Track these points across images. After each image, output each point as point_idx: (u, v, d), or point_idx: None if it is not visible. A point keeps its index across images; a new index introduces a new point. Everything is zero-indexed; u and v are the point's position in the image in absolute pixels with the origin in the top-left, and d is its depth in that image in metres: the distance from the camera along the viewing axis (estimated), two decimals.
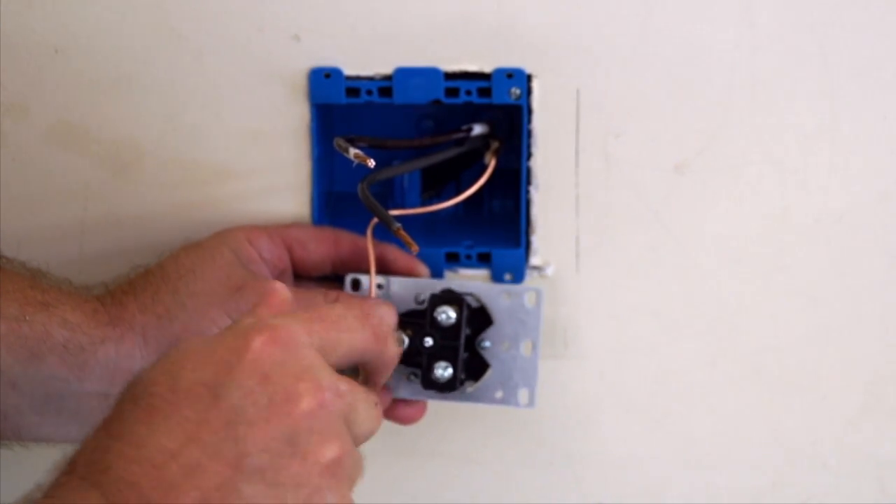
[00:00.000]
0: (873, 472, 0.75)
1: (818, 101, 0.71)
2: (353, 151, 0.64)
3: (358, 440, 0.52)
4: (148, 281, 0.69)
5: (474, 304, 0.69)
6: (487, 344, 0.69)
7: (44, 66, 0.71)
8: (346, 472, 0.50)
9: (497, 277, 0.75)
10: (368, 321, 0.55)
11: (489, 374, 0.69)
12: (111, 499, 0.45)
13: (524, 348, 0.69)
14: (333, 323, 0.53)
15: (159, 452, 0.46)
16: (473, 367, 0.69)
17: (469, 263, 0.75)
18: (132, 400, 0.48)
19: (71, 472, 0.47)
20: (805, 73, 0.71)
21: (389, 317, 0.62)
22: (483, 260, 0.75)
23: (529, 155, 0.74)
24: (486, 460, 0.76)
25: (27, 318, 0.64)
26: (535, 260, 0.75)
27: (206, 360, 0.49)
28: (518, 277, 0.75)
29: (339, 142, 0.66)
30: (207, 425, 0.47)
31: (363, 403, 0.52)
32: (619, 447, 0.76)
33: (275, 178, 0.74)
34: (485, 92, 0.72)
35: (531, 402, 0.69)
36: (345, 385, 0.51)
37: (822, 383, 0.74)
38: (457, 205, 0.73)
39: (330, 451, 0.49)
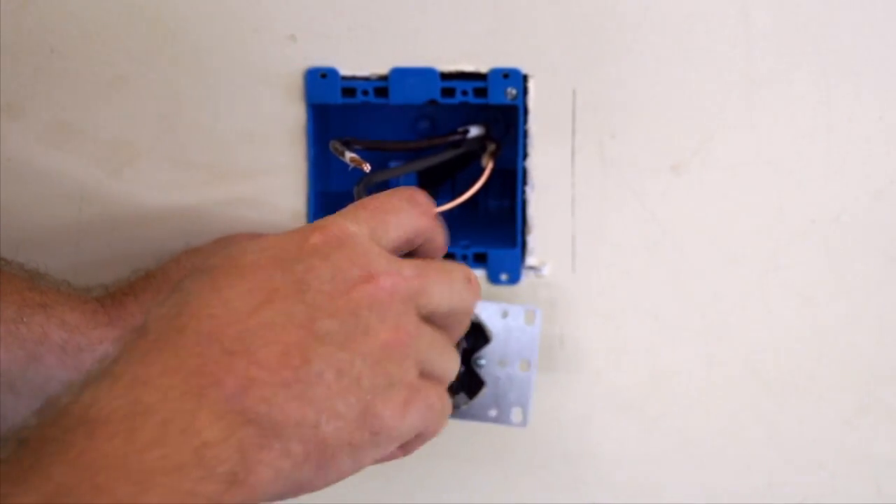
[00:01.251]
0: (870, 473, 0.74)
1: (814, 100, 0.71)
2: (348, 155, 0.63)
3: (446, 317, 0.52)
4: (149, 283, 0.68)
5: (473, 318, 0.68)
6: (483, 361, 0.69)
7: (40, 67, 0.71)
8: (410, 351, 0.50)
9: (493, 277, 0.75)
10: (414, 200, 0.54)
11: (484, 391, 0.69)
12: (190, 350, 0.44)
13: (520, 367, 0.69)
14: (378, 208, 0.53)
15: (234, 312, 0.46)
16: (469, 384, 0.69)
17: (465, 263, 0.74)
18: (192, 277, 0.48)
19: (143, 335, 0.46)
20: (801, 73, 0.71)
21: (431, 200, 0.58)
22: (479, 260, 0.75)
23: (525, 155, 0.73)
24: (483, 460, 0.76)
25: (25, 319, 0.63)
26: (531, 260, 0.75)
27: (268, 246, 0.49)
28: (514, 277, 0.75)
29: (334, 145, 0.65)
30: (277, 292, 0.47)
31: (438, 284, 0.52)
32: (615, 447, 0.75)
33: (271, 178, 0.74)
34: (481, 92, 0.72)
35: (524, 422, 0.68)
36: (410, 269, 0.51)
37: (819, 383, 0.74)
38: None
39: (387, 333, 0.49)
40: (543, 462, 0.75)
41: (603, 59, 0.71)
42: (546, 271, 0.75)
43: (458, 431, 0.75)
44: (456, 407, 0.66)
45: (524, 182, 0.74)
